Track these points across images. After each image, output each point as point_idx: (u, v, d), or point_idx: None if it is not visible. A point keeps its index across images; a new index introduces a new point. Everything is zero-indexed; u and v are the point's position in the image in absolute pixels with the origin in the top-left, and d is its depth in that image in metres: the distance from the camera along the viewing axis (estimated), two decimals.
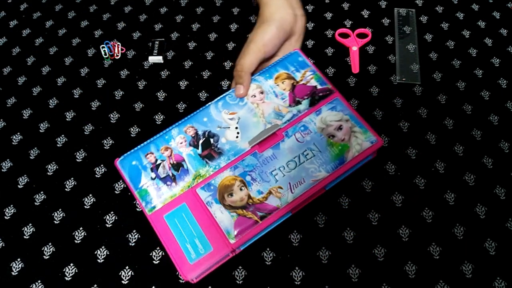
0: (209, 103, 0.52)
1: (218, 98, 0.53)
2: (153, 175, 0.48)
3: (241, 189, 0.47)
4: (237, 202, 0.47)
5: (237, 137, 0.50)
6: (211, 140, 0.50)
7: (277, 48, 0.55)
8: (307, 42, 0.68)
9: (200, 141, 0.50)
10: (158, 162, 0.49)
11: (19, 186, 0.56)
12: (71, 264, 0.50)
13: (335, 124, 0.50)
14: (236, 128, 0.50)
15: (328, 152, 0.49)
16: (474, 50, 0.67)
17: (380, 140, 0.49)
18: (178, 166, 0.49)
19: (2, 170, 0.57)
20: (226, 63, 0.67)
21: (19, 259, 0.50)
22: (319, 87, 0.52)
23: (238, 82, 0.52)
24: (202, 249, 0.45)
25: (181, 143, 0.50)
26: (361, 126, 0.50)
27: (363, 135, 0.49)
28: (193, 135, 0.50)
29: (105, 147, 0.59)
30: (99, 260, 0.50)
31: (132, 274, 0.49)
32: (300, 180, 0.47)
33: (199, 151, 0.49)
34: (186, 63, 0.67)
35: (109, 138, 0.59)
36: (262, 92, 0.52)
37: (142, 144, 0.51)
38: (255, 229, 0.46)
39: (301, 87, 0.53)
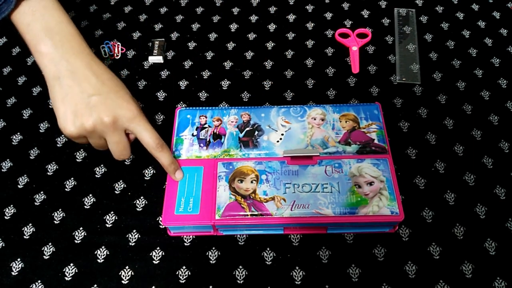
0: (275, 106, 0.57)
1: (284, 106, 0.57)
2: (195, 132, 0.55)
3: (251, 182, 0.50)
4: (242, 190, 0.50)
5: (278, 141, 0.53)
6: (256, 132, 0.54)
7: None
8: (307, 42, 0.68)
9: (247, 128, 0.55)
10: (206, 126, 0.55)
11: (19, 186, 0.56)
12: (71, 264, 0.50)
13: (368, 178, 0.50)
14: (282, 134, 0.54)
15: (345, 197, 0.49)
16: (474, 50, 0.67)
17: (402, 216, 0.48)
18: (217, 136, 0.54)
19: (2, 170, 0.57)
20: (226, 63, 0.67)
21: (19, 259, 0.50)
22: (376, 141, 0.53)
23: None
24: (190, 208, 0.49)
25: (232, 122, 0.56)
26: (391, 193, 0.49)
27: (388, 201, 0.48)
28: (245, 121, 0.55)
29: None
30: (99, 260, 0.50)
31: (132, 274, 0.49)
32: (305, 204, 0.48)
33: (241, 135, 0.54)
34: (186, 63, 0.67)
35: None
36: (323, 119, 0.55)
37: (204, 107, 0.57)
38: (241, 220, 0.48)
39: (360, 133, 0.54)
